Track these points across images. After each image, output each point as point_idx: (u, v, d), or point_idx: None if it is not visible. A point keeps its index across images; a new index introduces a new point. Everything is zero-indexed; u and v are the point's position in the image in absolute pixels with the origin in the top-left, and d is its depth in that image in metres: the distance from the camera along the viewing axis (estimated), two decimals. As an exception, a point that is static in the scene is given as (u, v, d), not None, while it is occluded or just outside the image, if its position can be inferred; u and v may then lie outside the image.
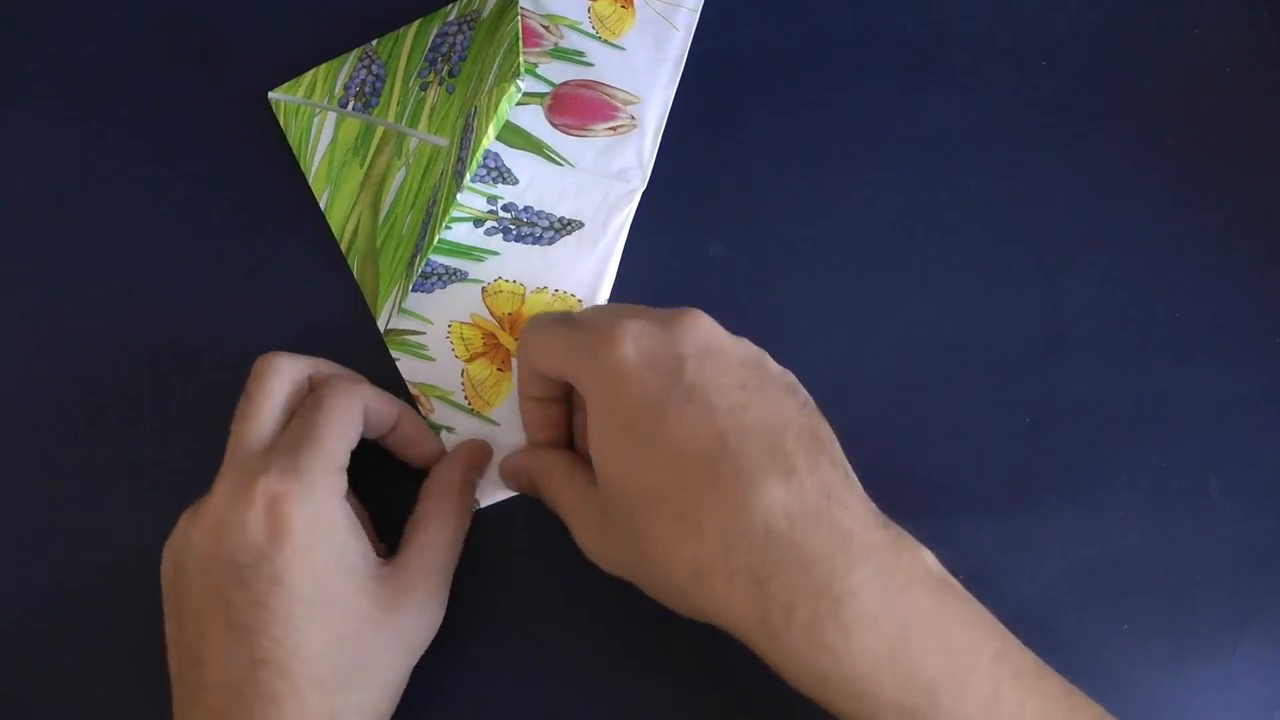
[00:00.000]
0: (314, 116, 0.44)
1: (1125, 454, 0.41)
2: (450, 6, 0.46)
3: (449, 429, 0.41)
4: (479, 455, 0.40)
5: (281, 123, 0.45)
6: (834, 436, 0.33)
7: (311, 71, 0.45)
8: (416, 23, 0.45)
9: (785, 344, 0.41)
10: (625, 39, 0.46)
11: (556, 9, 0.46)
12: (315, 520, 0.33)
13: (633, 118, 0.45)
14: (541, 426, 0.38)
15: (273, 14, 0.47)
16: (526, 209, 0.43)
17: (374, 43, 0.45)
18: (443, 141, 0.43)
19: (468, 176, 0.40)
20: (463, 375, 0.41)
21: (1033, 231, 0.44)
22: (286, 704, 0.31)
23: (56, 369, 0.42)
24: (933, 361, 0.42)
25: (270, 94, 0.45)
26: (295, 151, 0.44)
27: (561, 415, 0.38)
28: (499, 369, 0.41)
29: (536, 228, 0.43)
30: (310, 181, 0.44)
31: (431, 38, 0.45)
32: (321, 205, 0.44)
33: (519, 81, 0.39)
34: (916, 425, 0.41)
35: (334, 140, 0.44)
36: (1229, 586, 0.39)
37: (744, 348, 0.34)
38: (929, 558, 0.31)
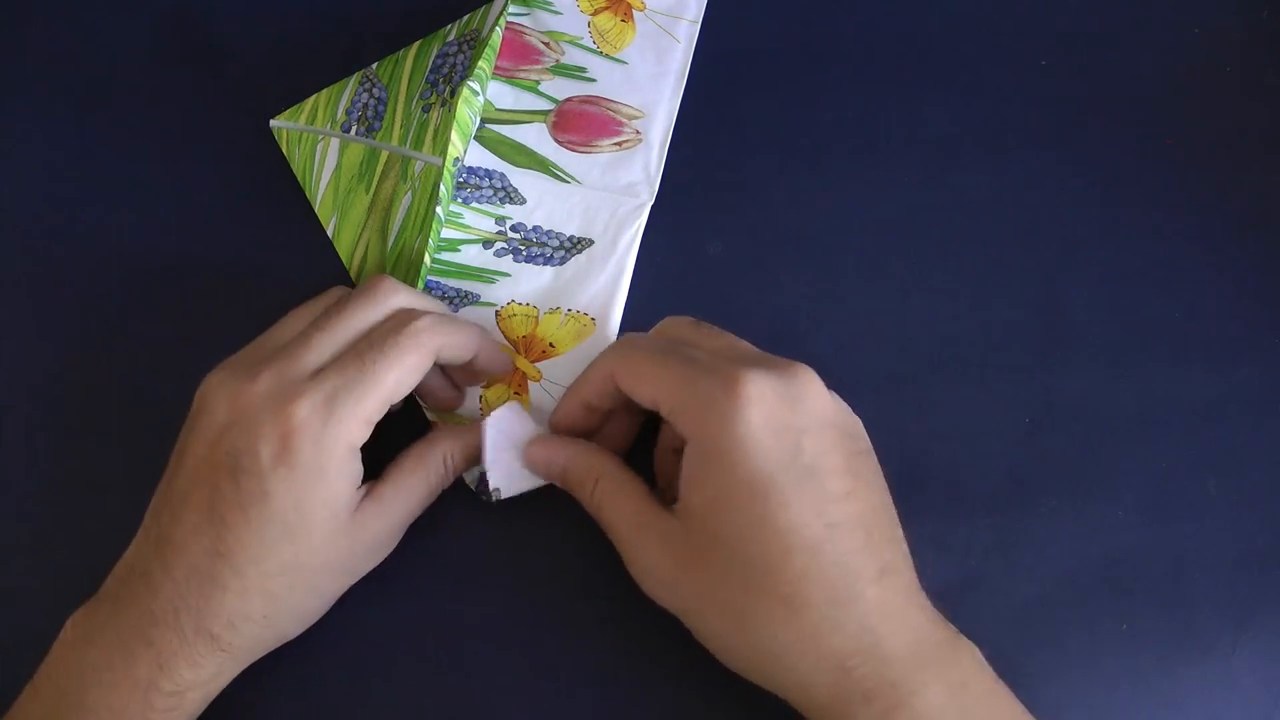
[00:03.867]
0: (317, 143, 0.44)
1: (1125, 454, 0.41)
2: (450, 26, 0.45)
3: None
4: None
5: (284, 150, 0.44)
6: (894, 514, 0.35)
7: (312, 97, 0.45)
8: (416, 44, 0.45)
9: (785, 344, 0.41)
10: (627, 53, 0.46)
11: (557, 25, 0.46)
12: (323, 463, 0.34)
13: (638, 132, 0.45)
14: (574, 427, 0.39)
15: (271, 13, 0.47)
16: (536, 229, 0.43)
17: (374, 66, 0.45)
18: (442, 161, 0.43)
19: (443, 190, 0.40)
20: (481, 401, 0.41)
21: (1033, 231, 0.44)
22: (229, 599, 0.34)
23: (56, 369, 0.42)
24: (932, 361, 0.42)
25: (272, 122, 0.45)
26: (300, 179, 0.44)
27: (598, 425, 0.39)
28: (516, 392, 0.41)
29: (547, 248, 0.43)
30: (316, 209, 0.44)
31: (432, 59, 0.44)
32: (329, 233, 0.43)
33: (471, 83, 0.39)
34: (916, 425, 0.41)
35: (338, 166, 0.44)
36: (1229, 586, 0.39)
37: (845, 416, 0.35)
38: (977, 653, 0.34)
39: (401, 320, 0.36)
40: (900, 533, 0.35)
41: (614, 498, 0.36)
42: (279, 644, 0.36)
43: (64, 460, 0.41)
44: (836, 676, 0.33)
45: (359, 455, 0.35)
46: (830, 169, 0.45)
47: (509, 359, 0.41)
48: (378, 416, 0.35)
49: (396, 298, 0.37)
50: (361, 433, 0.35)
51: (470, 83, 0.40)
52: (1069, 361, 0.42)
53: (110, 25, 0.47)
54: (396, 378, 0.35)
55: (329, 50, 0.46)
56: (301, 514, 0.34)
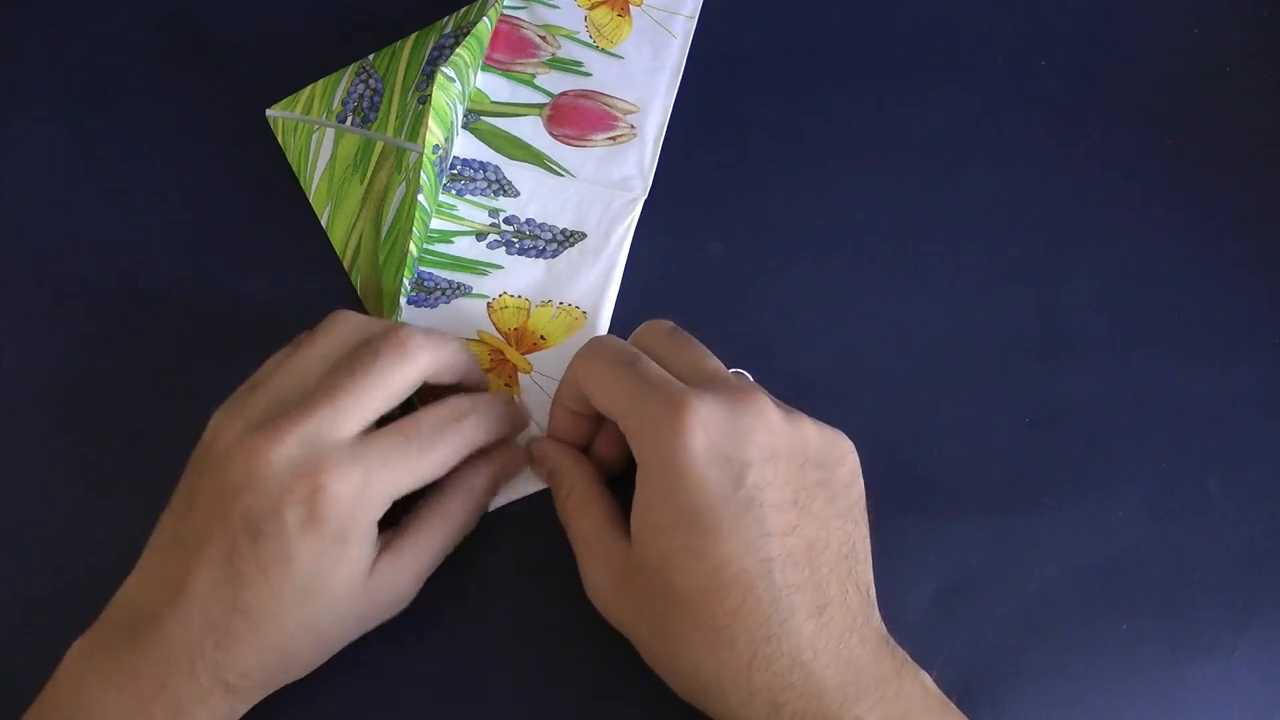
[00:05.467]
0: (312, 133, 0.44)
1: (1125, 454, 0.41)
2: (446, 19, 0.45)
3: None
4: (513, 465, 0.39)
5: (280, 140, 0.44)
6: (867, 537, 0.35)
7: (309, 87, 0.45)
8: (413, 36, 0.45)
9: (786, 344, 0.41)
10: (623, 47, 0.46)
11: (553, 19, 0.46)
12: (349, 533, 0.34)
13: (632, 126, 0.45)
14: (566, 432, 0.39)
15: (271, 13, 0.47)
16: (529, 221, 0.43)
17: (370, 57, 0.45)
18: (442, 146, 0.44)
19: (424, 178, 0.40)
20: None
21: (1033, 231, 0.44)
22: (246, 651, 0.33)
23: (56, 369, 0.42)
24: (932, 361, 0.42)
25: (268, 111, 0.44)
26: (295, 169, 0.44)
27: (589, 429, 0.39)
28: (506, 385, 0.41)
29: (540, 240, 0.43)
30: (311, 199, 0.43)
31: (428, 51, 0.44)
32: (323, 223, 0.43)
33: (445, 70, 0.40)
34: (916, 425, 0.41)
35: (333, 157, 0.44)
36: (1229, 586, 0.39)
37: (804, 444, 0.34)
38: (928, 681, 0.33)
39: (454, 412, 0.36)
40: (859, 563, 0.34)
41: (579, 510, 0.37)
42: (284, 684, 0.36)
43: (64, 461, 0.41)
44: (767, 711, 0.32)
45: (378, 521, 0.35)
46: (830, 168, 0.45)
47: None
48: (405, 492, 0.35)
49: (424, 355, 0.36)
50: (386, 504, 0.35)
51: (445, 69, 0.40)
52: (1069, 361, 0.42)
53: (110, 25, 0.47)
54: (439, 459, 0.35)
55: (329, 50, 0.46)
56: (323, 578, 0.34)
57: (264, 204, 0.44)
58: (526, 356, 0.42)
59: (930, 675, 0.34)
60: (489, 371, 0.41)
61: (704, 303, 0.42)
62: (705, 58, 0.46)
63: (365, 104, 0.44)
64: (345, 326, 0.37)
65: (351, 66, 0.45)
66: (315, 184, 0.44)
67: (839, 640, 0.33)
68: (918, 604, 0.39)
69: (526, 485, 0.40)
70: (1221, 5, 0.47)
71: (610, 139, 0.44)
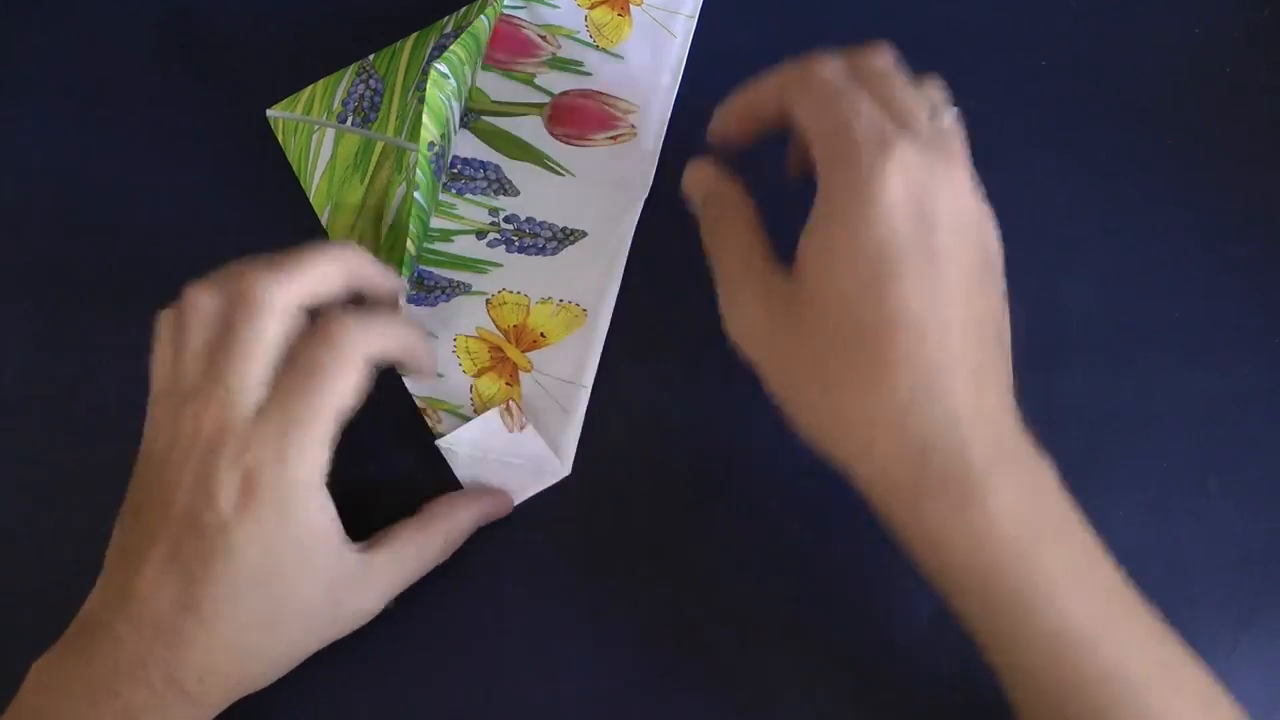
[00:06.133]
0: (313, 133, 0.44)
1: (1125, 454, 0.41)
2: (446, 19, 0.45)
3: (450, 449, 0.40)
4: (497, 512, 0.39)
5: (280, 140, 0.44)
6: (1007, 334, 0.35)
7: (309, 88, 0.45)
8: (413, 36, 0.45)
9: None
10: (623, 47, 0.46)
11: (553, 19, 0.46)
12: (288, 501, 0.33)
13: (633, 126, 0.45)
14: (733, 130, 0.38)
15: (271, 13, 0.47)
16: (529, 220, 0.43)
17: (371, 57, 0.45)
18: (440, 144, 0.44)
19: (420, 175, 0.40)
20: (471, 390, 0.41)
21: (1033, 231, 0.44)
22: (197, 653, 0.33)
23: (56, 369, 0.42)
24: (933, 361, 0.42)
25: (268, 111, 0.44)
26: (295, 169, 0.44)
27: (755, 136, 0.38)
28: (507, 383, 0.41)
29: (539, 239, 0.43)
30: (311, 199, 0.44)
31: (428, 50, 0.44)
32: (323, 222, 0.43)
33: (438, 65, 0.39)
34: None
35: (333, 157, 0.44)
36: (1229, 586, 0.39)
37: (986, 226, 0.35)
38: (1059, 480, 0.34)
39: (323, 337, 0.34)
40: (1008, 350, 0.35)
41: (732, 236, 0.36)
42: (250, 692, 0.35)
43: (63, 461, 0.41)
44: (913, 462, 0.32)
45: (324, 485, 0.34)
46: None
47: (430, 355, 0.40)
48: (333, 436, 0.34)
49: (275, 293, 0.34)
50: (321, 458, 0.34)
51: (438, 65, 0.40)
52: (1069, 361, 0.42)
53: (110, 25, 0.47)
54: (344, 386, 0.34)
55: (330, 50, 0.46)
56: (272, 557, 0.33)
57: (264, 203, 0.44)
58: (527, 354, 0.42)
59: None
60: (489, 370, 0.41)
61: (706, 299, 0.42)
62: (706, 57, 0.46)
63: (366, 104, 0.44)
64: (196, 303, 0.35)
65: (352, 67, 0.45)
66: (316, 184, 0.44)
67: (994, 413, 0.33)
68: (919, 603, 0.39)
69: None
70: (1221, 5, 0.47)
71: (611, 138, 0.44)
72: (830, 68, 0.35)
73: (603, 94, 0.45)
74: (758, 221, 0.37)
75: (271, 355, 0.34)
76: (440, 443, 0.40)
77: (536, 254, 0.43)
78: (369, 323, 0.35)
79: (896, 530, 0.34)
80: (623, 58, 0.46)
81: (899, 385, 0.32)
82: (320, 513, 0.34)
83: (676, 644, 0.39)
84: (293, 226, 0.44)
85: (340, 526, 0.35)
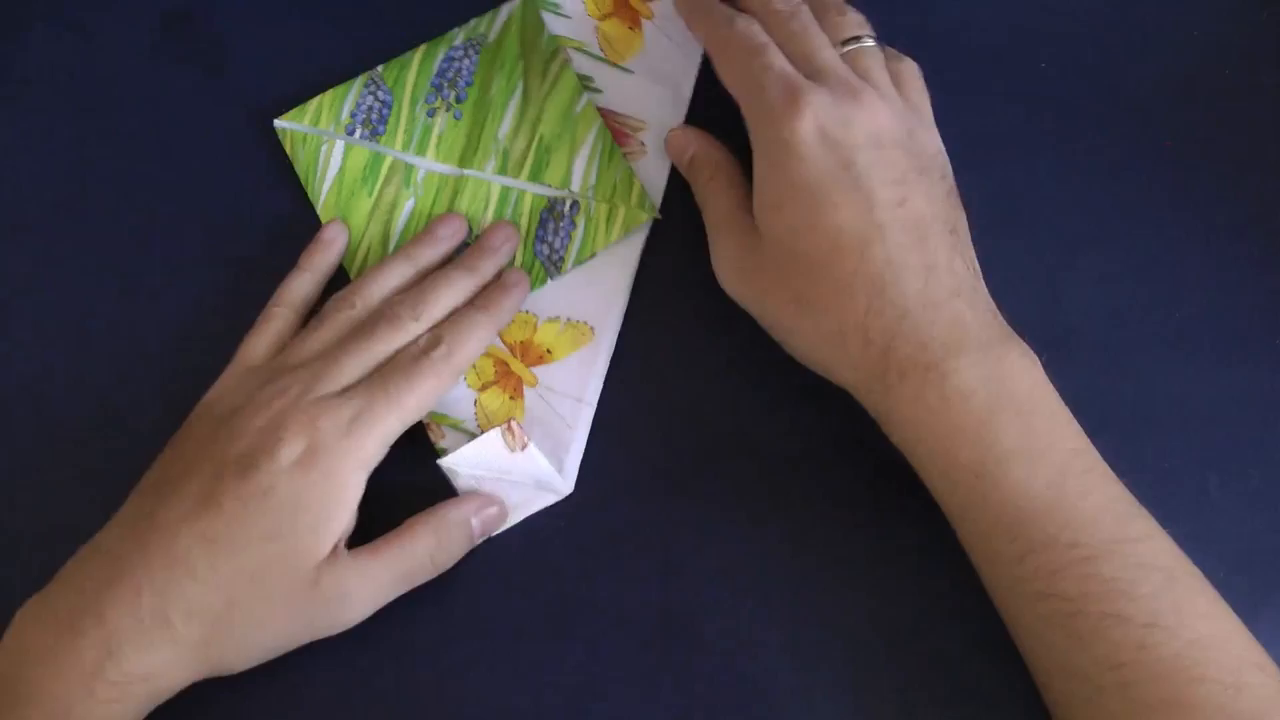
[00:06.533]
0: (321, 145, 0.44)
1: (1125, 454, 0.41)
2: (457, 30, 0.45)
3: (452, 469, 0.40)
4: (489, 522, 0.40)
5: (288, 151, 0.44)
6: (968, 228, 0.38)
7: (317, 98, 0.44)
8: (423, 47, 0.45)
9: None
10: (633, 62, 0.45)
11: (563, 29, 0.45)
12: (336, 475, 0.35)
13: (643, 144, 0.44)
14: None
15: (272, 13, 0.47)
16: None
17: (379, 69, 0.45)
18: (449, 169, 0.43)
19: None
20: (475, 405, 0.41)
21: (1033, 231, 0.44)
22: (196, 587, 0.34)
23: (56, 369, 0.42)
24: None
25: (276, 122, 0.44)
26: (303, 181, 0.44)
27: None
28: (511, 397, 0.41)
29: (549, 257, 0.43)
30: (319, 211, 0.44)
31: (438, 62, 0.44)
32: None
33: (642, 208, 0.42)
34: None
35: (342, 169, 0.44)
36: (1229, 586, 0.39)
37: (906, 136, 0.38)
38: (1034, 364, 0.36)
39: (425, 347, 0.38)
40: (961, 240, 0.38)
41: (718, 191, 0.40)
42: (215, 673, 0.35)
43: (64, 461, 0.41)
44: (879, 359, 0.36)
45: (364, 482, 0.36)
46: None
47: (519, 295, 0.42)
48: (395, 437, 0.37)
49: (417, 325, 0.39)
50: (378, 452, 0.36)
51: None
52: (1069, 361, 0.42)
53: (110, 25, 0.47)
54: (418, 402, 0.37)
55: (330, 50, 0.46)
56: (295, 518, 0.35)
57: (264, 205, 0.44)
58: (532, 369, 0.42)
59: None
60: (494, 384, 0.41)
61: (710, 307, 0.42)
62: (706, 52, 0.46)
63: (374, 116, 0.44)
64: (339, 311, 0.40)
65: (360, 77, 0.45)
66: (324, 196, 0.43)
67: (946, 301, 0.36)
68: (920, 607, 0.39)
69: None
70: (1221, 6, 0.47)
71: (620, 157, 0.44)
72: (745, 36, 0.39)
73: (613, 112, 0.45)
74: (741, 177, 0.40)
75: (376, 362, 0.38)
76: (442, 462, 0.39)
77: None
78: (475, 339, 0.39)
79: (881, 423, 0.37)
80: (633, 72, 0.45)
81: (855, 295, 0.36)
82: (350, 502, 0.36)
83: (676, 647, 0.39)
84: (293, 227, 0.44)
85: (352, 527, 0.36)
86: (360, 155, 0.44)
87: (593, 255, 0.42)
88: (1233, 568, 0.39)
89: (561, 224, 0.43)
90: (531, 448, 0.40)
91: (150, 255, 0.44)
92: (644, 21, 0.46)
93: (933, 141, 0.39)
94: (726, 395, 0.42)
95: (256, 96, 0.45)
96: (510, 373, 0.42)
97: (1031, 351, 0.36)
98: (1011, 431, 0.35)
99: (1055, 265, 0.43)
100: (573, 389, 0.41)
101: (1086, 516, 0.34)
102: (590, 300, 0.42)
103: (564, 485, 0.40)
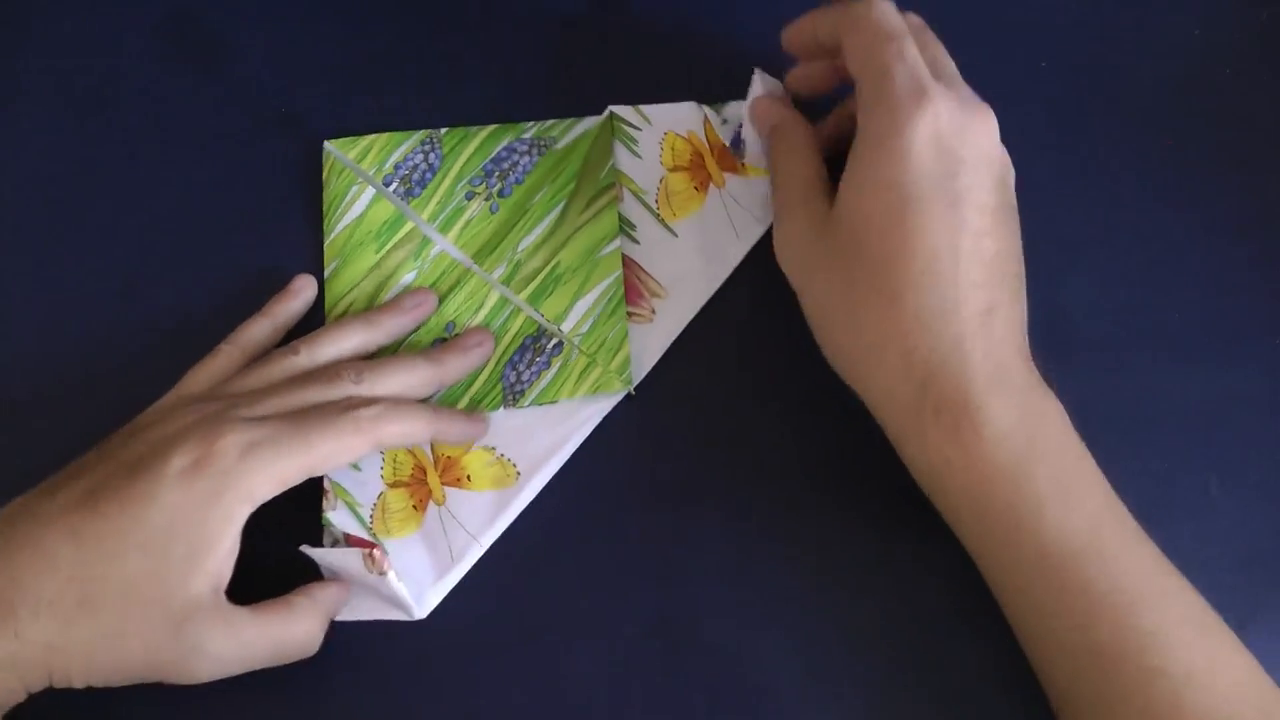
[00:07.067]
0: (353, 184, 0.43)
1: (1125, 454, 0.41)
2: (530, 124, 0.44)
3: (336, 538, 0.39)
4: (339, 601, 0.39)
5: (324, 173, 0.44)
6: (1024, 274, 0.37)
7: (371, 136, 0.44)
8: (492, 127, 0.44)
9: (787, 343, 0.41)
10: (683, 225, 0.43)
11: (627, 168, 0.44)
12: (221, 499, 0.34)
13: (653, 311, 0.42)
14: (794, 44, 0.41)
15: (271, 14, 0.47)
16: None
17: (443, 130, 0.44)
18: (462, 258, 0.43)
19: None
20: (379, 497, 0.40)
21: (1033, 231, 0.44)
22: (49, 581, 0.33)
23: (56, 369, 0.42)
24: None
25: (326, 144, 0.44)
26: (325, 208, 0.43)
27: (819, 54, 0.41)
28: (414, 507, 0.40)
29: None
30: (325, 243, 0.43)
31: (500, 148, 0.44)
32: (325, 274, 0.43)
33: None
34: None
35: (362, 216, 0.43)
36: (1229, 586, 0.39)
37: (1006, 171, 0.37)
38: (1063, 413, 0.36)
39: (357, 404, 0.37)
40: (1023, 296, 0.37)
41: (794, 160, 0.40)
42: (55, 684, 0.34)
43: (64, 461, 0.41)
44: (918, 384, 0.35)
45: (245, 517, 0.34)
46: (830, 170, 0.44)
47: (475, 429, 0.40)
48: (293, 481, 0.35)
49: (355, 388, 0.38)
50: (267, 489, 0.35)
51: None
52: (1069, 361, 0.42)
53: (110, 25, 0.47)
54: (329, 451, 0.35)
55: (330, 51, 0.46)
56: (170, 535, 0.33)
57: (265, 208, 0.44)
58: (445, 488, 0.40)
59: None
60: (404, 486, 0.40)
61: (714, 321, 0.42)
62: (706, 52, 0.45)
63: (416, 177, 0.43)
64: (293, 356, 0.40)
65: (421, 132, 0.44)
66: (335, 232, 0.43)
67: (998, 344, 0.35)
68: (920, 610, 0.39)
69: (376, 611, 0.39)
70: (1221, 6, 0.46)
71: (626, 315, 0.42)
72: (880, 9, 0.38)
73: (639, 267, 0.43)
74: (819, 155, 0.40)
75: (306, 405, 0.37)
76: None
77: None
78: (393, 411, 0.37)
79: (900, 450, 0.36)
80: (677, 236, 0.43)
81: (909, 308, 0.35)
82: (226, 536, 0.34)
83: (675, 651, 0.39)
84: (292, 228, 0.44)
85: (228, 574, 0.35)
86: (384, 209, 0.43)
87: (554, 402, 0.41)
88: (1233, 568, 0.39)
89: (538, 358, 0.41)
90: (390, 574, 0.37)
91: (150, 255, 0.44)
92: (712, 188, 0.44)
93: (1012, 175, 0.38)
94: (728, 400, 0.42)
95: (256, 96, 0.45)
96: (424, 483, 0.40)
97: (1058, 400, 0.36)
98: (1047, 476, 0.34)
99: (1055, 265, 0.43)
100: (474, 526, 0.40)
101: (1123, 565, 0.34)
102: (529, 445, 0.40)
103: (417, 611, 0.39)
